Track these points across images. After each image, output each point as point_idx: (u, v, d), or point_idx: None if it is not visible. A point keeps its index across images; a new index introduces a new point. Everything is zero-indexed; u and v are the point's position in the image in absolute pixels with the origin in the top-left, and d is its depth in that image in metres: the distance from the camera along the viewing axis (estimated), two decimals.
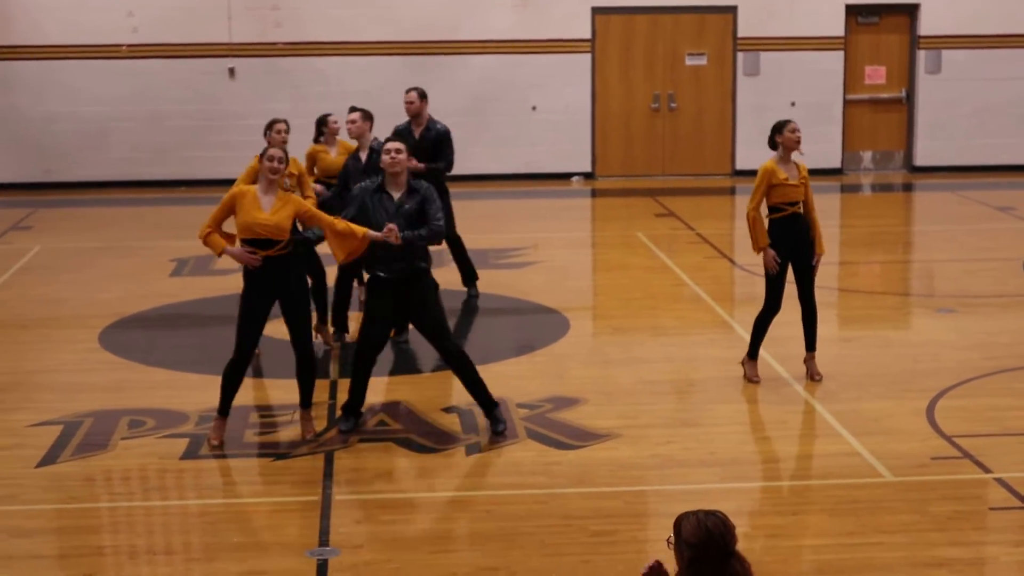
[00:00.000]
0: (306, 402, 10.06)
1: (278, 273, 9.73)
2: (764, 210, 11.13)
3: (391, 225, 9.67)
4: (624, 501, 8.83)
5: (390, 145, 9.95)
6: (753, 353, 11.31)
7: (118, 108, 22.93)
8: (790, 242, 11.06)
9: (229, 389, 9.92)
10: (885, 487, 8.95)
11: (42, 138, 22.93)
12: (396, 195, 9.95)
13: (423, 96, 13.65)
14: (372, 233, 9.68)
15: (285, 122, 12.46)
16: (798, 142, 10.98)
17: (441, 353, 10.10)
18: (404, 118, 13.90)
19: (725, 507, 5.40)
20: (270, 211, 9.64)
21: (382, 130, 12.83)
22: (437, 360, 12.13)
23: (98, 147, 23.00)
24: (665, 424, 10.31)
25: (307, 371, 10.01)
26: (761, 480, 9.24)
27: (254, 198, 9.69)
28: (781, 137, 11.02)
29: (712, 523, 4.98)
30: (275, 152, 9.80)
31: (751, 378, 11.26)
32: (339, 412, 10.32)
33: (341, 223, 9.71)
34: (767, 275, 11.17)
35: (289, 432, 10.17)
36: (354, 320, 12.67)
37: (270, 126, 12.31)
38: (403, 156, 9.91)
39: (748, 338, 11.41)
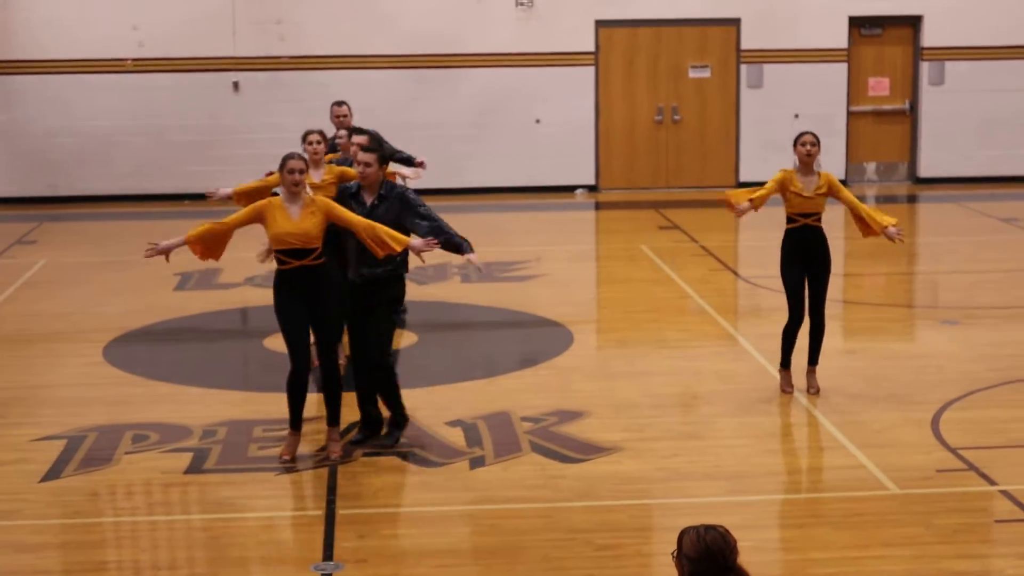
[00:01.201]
0: (332, 419, 9.92)
1: (311, 283, 9.56)
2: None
3: (433, 240, 9.66)
4: (629, 515, 8.82)
5: (361, 157, 9.91)
6: (784, 362, 11.30)
7: (122, 122, 22.95)
8: (803, 253, 11.06)
9: (295, 403, 9.79)
10: (890, 500, 8.93)
11: (46, 152, 22.95)
12: (368, 200, 9.97)
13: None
14: (416, 242, 9.63)
15: (319, 132, 12.17)
16: (808, 155, 10.93)
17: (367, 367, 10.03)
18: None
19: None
20: (298, 219, 9.52)
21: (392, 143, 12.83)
22: (441, 374, 12.14)
23: (102, 161, 23.02)
24: (670, 437, 10.29)
25: (333, 387, 9.87)
26: (766, 493, 9.22)
27: (280, 207, 9.57)
28: (795, 150, 11.01)
29: (711, 538, 4.99)
30: (295, 163, 9.58)
31: (783, 388, 11.25)
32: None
33: (380, 227, 9.61)
34: (785, 288, 11.17)
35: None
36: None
37: (304, 138, 12.11)
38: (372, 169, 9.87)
39: (752, 351, 11.45)
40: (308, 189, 9.71)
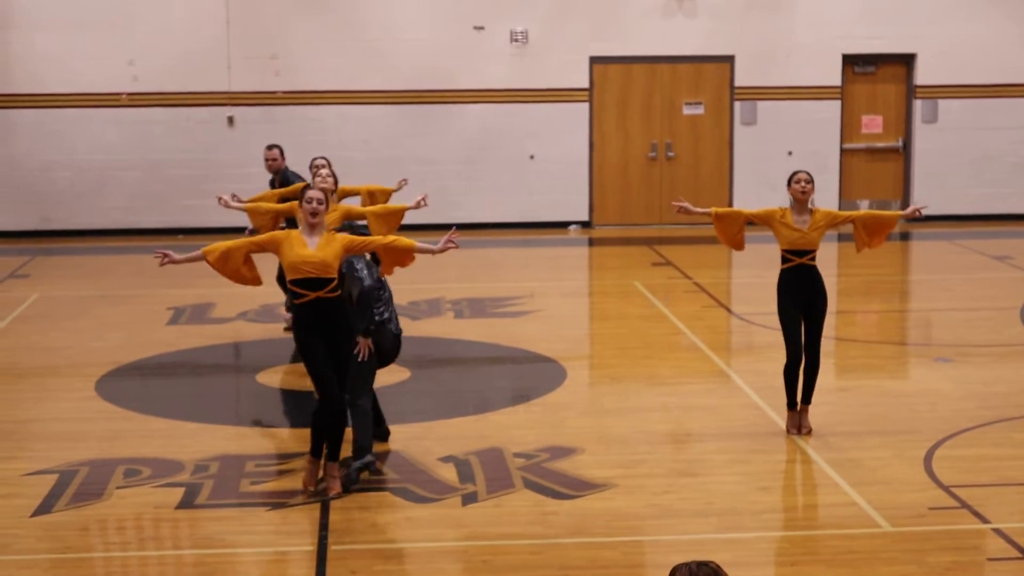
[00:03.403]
0: (332, 455, 9.82)
1: (326, 316, 9.50)
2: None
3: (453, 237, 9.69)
4: (621, 551, 8.80)
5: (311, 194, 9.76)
6: (790, 404, 11.25)
7: (117, 156, 22.99)
8: (799, 292, 11.06)
9: (317, 436, 9.76)
10: (883, 537, 8.92)
11: (40, 186, 22.97)
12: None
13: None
14: (423, 246, 9.66)
15: (323, 158, 12.23)
16: (802, 193, 10.95)
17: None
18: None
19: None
20: (315, 248, 9.47)
21: (380, 181, 12.86)
22: (434, 409, 12.13)
23: (96, 195, 23.05)
24: (662, 474, 10.28)
25: (337, 423, 9.76)
26: (759, 530, 9.21)
27: (298, 237, 9.53)
28: (789, 189, 11.05)
29: (704, 574, 4.98)
30: (314, 193, 9.55)
31: (788, 429, 11.23)
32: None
33: (391, 238, 9.68)
34: (782, 327, 11.17)
35: (285, 481, 10.14)
36: None
37: (311, 166, 12.20)
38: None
39: (745, 388, 11.48)
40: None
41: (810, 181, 10.97)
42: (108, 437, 11.35)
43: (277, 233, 9.81)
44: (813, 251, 11.04)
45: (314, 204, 9.51)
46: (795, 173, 11.06)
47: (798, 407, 11.22)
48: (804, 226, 10.96)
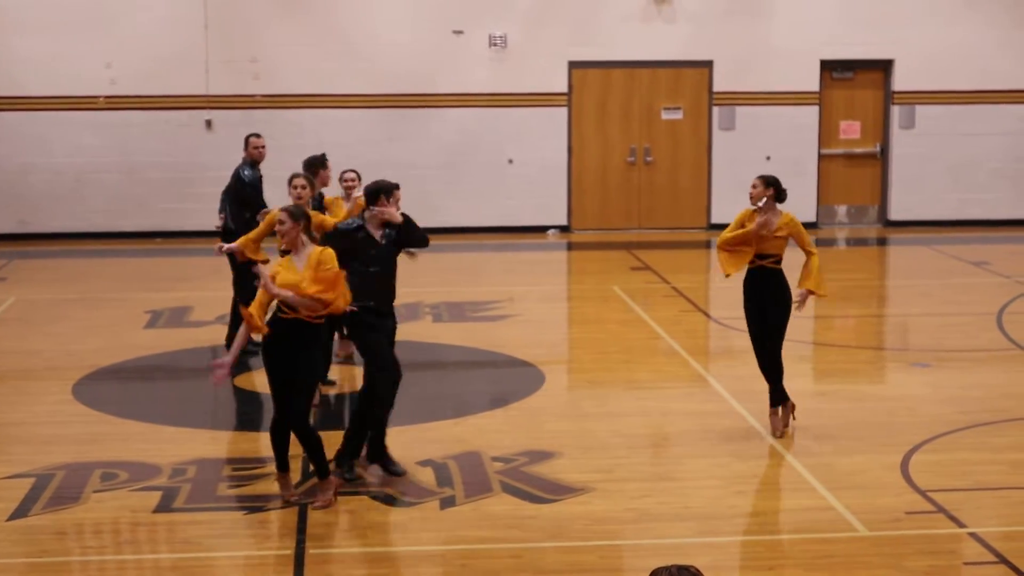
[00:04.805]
0: (322, 472, 9.67)
1: (299, 338, 9.40)
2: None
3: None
4: (599, 556, 8.80)
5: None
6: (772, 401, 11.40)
7: (94, 159, 22.94)
8: (760, 296, 11.13)
9: (277, 447, 9.68)
10: (860, 542, 8.95)
11: (17, 189, 22.90)
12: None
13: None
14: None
15: (302, 176, 12.11)
16: (751, 196, 11.14)
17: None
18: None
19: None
20: (301, 270, 9.41)
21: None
22: (412, 413, 12.12)
23: (74, 198, 22.99)
24: (640, 478, 10.29)
25: (312, 443, 9.58)
26: (737, 535, 9.23)
27: (287, 262, 9.53)
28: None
29: None
30: (281, 215, 9.54)
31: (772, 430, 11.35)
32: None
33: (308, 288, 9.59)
34: (748, 330, 11.24)
35: (263, 485, 10.12)
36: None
37: (290, 181, 12.06)
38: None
39: (723, 392, 11.55)
40: (304, 240, 9.58)
41: (764, 185, 11.11)
42: (85, 441, 11.32)
43: (275, 267, 9.74)
44: (774, 255, 11.11)
45: (279, 226, 9.59)
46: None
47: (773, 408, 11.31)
48: (768, 229, 11.06)
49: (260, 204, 14.08)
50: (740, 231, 11.13)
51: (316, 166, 13.16)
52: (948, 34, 23.71)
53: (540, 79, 23.47)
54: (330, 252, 9.52)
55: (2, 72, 22.69)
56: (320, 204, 12.91)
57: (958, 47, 23.74)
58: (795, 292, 11.26)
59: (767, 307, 11.17)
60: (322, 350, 12.27)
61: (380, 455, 10.34)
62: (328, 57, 23.01)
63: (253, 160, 14.55)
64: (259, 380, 13.47)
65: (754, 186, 11.18)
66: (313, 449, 9.60)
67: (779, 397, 11.32)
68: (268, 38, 22.95)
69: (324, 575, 8.44)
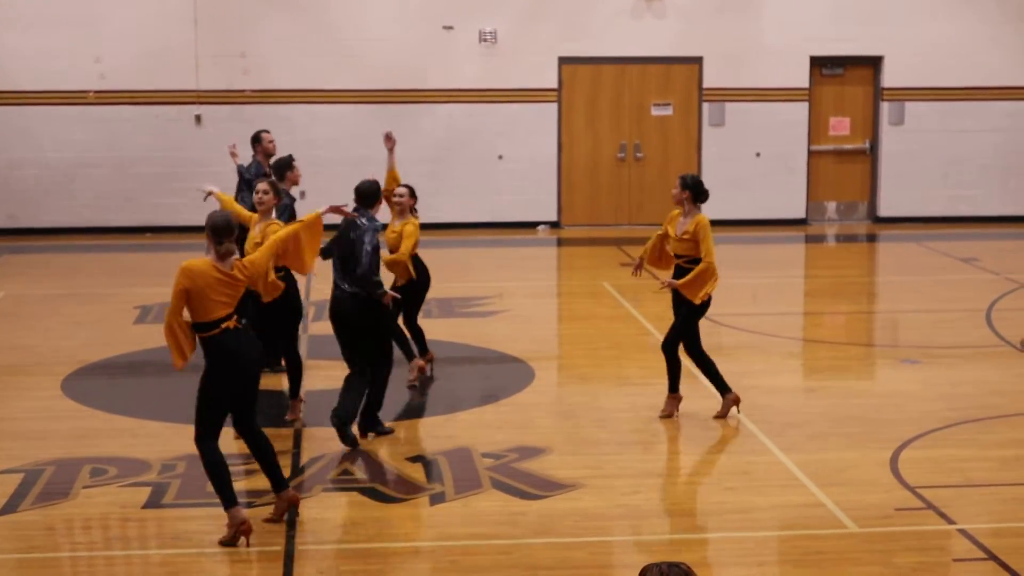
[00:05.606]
0: (275, 486, 9.33)
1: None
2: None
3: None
4: (589, 552, 8.81)
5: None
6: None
7: (84, 154, 22.89)
8: (675, 293, 11.67)
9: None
10: (850, 538, 8.96)
11: (7, 184, 22.85)
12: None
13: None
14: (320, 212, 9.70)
15: (265, 181, 11.79)
16: (673, 197, 11.64)
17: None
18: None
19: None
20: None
21: (349, 181, 12.83)
22: (402, 409, 12.12)
23: (64, 193, 22.95)
24: (630, 474, 10.30)
25: (267, 455, 9.30)
26: (726, 531, 9.23)
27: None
28: None
29: (675, 574, 4.99)
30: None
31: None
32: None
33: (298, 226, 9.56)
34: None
35: (252, 481, 10.11)
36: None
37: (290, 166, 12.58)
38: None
39: (712, 389, 11.61)
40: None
41: (681, 187, 11.54)
42: (75, 436, 11.31)
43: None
44: (686, 256, 11.48)
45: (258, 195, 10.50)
46: None
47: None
48: (678, 232, 11.50)
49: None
50: (644, 248, 11.82)
51: (283, 168, 13.06)
52: (938, 30, 23.73)
53: (530, 75, 23.46)
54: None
55: None
56: (290, 209, 12.77)
57: (948, 43, 23.76)
58: (667, 276, 11.65)
59: (679, 303, 11.66)
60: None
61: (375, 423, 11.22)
62: (318, 52, 22.99)
63: (267, 154, 14.50)
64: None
65: (675, 187, 11.59)
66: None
67: (673, 385, 11.82)
68: (258, 33, 22.93)
69: (314, 571, 8.44)
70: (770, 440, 11.08)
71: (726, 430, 11.36)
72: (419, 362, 13.06)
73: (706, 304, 11.60)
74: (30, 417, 12.00)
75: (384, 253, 12.06)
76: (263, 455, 9.16)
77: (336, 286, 10.99)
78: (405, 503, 9.67)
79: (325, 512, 9.52)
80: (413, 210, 12.72)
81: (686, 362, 13.59)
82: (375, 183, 11.09)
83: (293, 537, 8.97)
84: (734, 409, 11.73)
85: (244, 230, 11.33)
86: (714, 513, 9.51)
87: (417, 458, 10.67)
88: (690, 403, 12.15)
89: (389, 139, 13.41)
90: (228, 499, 8.85)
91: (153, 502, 9.67)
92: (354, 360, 10.98)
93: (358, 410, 11.01)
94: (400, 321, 12.91)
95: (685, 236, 11.42)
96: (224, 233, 8.69)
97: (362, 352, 10.97)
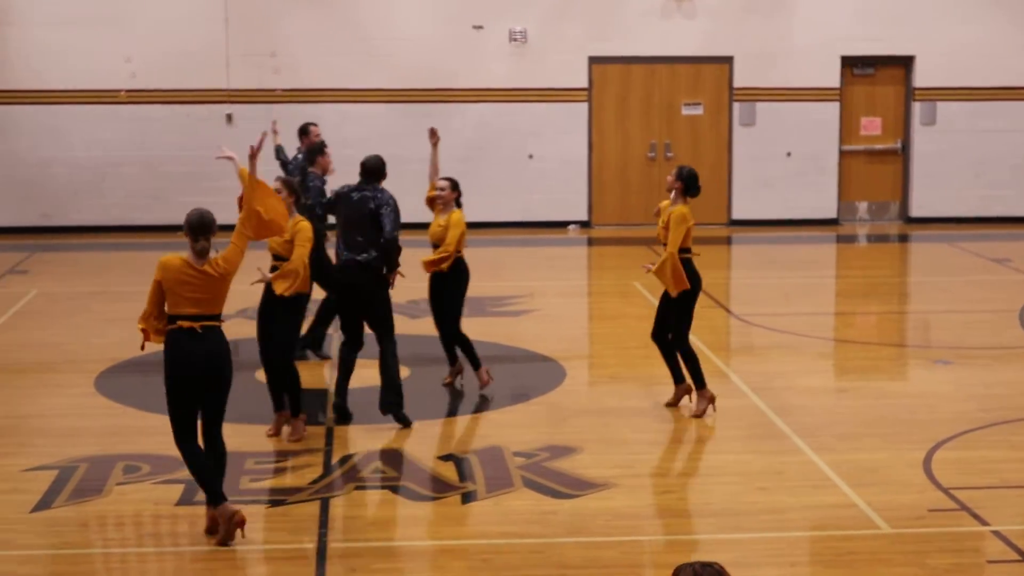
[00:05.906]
0: (213, 499, 8.93)
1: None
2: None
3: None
4: (621, 551, 8.80)
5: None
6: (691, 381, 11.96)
7: (115, 153, 22.98)
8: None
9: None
10: (882, 539, 8.93)
11: (39, 182, 22.96)
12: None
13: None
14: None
15: (277, 180, 11.90)
16: (666, 185, 11.89)
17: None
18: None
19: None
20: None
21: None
22: (433, 408, 12.13)
23: (95, 192, 23.05)
24: (662, 474, 10.28)
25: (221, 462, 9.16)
26: (758, 531, 9.21)
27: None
28: None
29: (708, 574, 4.97)
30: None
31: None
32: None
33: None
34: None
35: (284, 479, 10.14)
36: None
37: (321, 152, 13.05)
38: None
39: (744, 388, 11.57)
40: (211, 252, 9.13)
41: (675, 177, 11.74)
42: (107, 433, 11.35)
43: None
44: (664, 244, 11.70)
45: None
46: None
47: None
48: (663, 219, 11.78)
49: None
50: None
51: (314, 153, 13.37)
52: (969, 30, 23.64)
53: (560, 74, 23.46)
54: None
55: (23, 66, 22.74)
56: (321, 191, 13.00)
57: (979, 43, 23.67)
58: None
59: (665, 295, 11.93)
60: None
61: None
62: (348, 52, 23.03)
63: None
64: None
65: (671, 174, 11.81)
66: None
67: (677, 376, 11.94)
68: (288, 32, 22.98)
69: (346, 568, 8.45)
70: (802, 440, 11.05)
71: (757, 430, 11.32)
72: (483, 371, 12.78)
73: (686, 295, 11.62)
74: (63, 414, 12.05)
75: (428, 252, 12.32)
76: (214, 463, 9.02)
77: (340, 255, 11.22)
78: (437, 501, 9.68)
79: (357, 510, 9.53)
80: (457, 203, 12.76)
81: (717, 360, 13.58)
82: (380, 158, 11.41)
83: (325, 535, 8.99)
84: (710, 408, 11.74)
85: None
86: (746, 513, 9.49)
87: (448, 457, 10.67)
88: (721, 402, 12.11)
89: (434, 135, 13.40)
90: (214, 497, 8.85)
91: (186, 499, 9.69)
92: (354, 332, 11.47)
93: (399, 388, 11.35)
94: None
95: (664, 224, 11.67)
96: (199, 231, 8.85)
97: (370, 323, 11.37)
